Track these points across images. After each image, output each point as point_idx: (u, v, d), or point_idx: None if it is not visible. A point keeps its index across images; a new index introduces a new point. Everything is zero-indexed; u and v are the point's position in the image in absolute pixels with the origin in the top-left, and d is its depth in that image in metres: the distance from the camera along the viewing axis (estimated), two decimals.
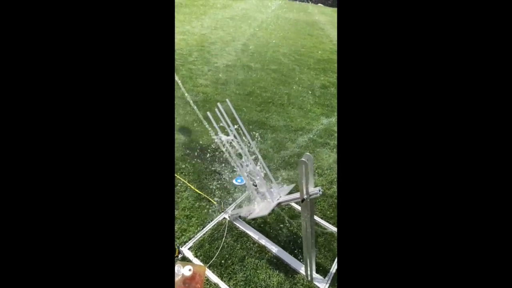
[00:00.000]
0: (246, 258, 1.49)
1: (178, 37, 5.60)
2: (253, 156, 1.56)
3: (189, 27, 6.65)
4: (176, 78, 3.56)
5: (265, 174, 1.61)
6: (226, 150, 1.52)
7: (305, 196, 1.20)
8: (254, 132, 2.64)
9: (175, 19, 7.28)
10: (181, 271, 1.30)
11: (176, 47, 4.93)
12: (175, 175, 1.99)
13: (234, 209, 1.79)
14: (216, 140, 1.53)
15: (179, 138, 2.47)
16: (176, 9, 8.95)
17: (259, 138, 2.60)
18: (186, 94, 2.61)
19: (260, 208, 1.48)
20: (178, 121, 2.70)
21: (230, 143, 1.50)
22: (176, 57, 4.45)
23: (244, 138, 1.57)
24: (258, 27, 8.18)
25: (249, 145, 1.59)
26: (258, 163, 1.58)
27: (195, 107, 1.89)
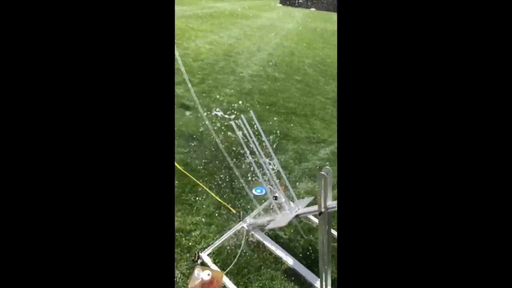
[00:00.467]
0: (262, 268, 1.51)
1: (206, 47, 5.83)
2: (272, 166, 1.60)
3: (216, 37, 6.91)
4: (202, 86, 3.71)
5: (285, 186, 1.63)
6: (252, 167, 1.57)
7: (322, 210, 1.21)
8: (275, 144, 2.68)
9: (204, 29, 7.59)
10: (201, 275, 1.36)
11: (203, 56, 5.14)
12: (198, 182, 2.07)
13: (252, 219, 1.83)
14: (247, 161, 1.59)
15: (201, 147, 2.57)
16: (205, 19, 9.34)
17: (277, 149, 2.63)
18: (195, 99, 2.72)
19: (278, 219, 1.50)
20: (203, 128, 2.81)
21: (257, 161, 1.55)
22: (203, 66, 4.64)
23: (265, 148, 1.62)
24: (284, 37, 8.28)
25: (270, 156, 1.63)
26: (274, 168, 1.61)
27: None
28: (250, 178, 2.14)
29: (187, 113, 3.10)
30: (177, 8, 11.43)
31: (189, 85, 2.23)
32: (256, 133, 1.59)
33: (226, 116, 1.71)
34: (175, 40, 5.98)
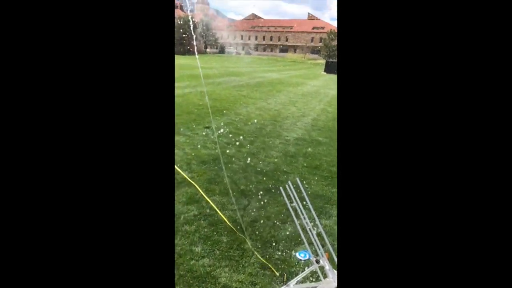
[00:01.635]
0: None
1: (255, 112, 6.48)
2: (316, 230, 1.68)
3: (265, 103, 7.65)
4: (249, 148, 4.06)
5: (329, 252, 1.67)
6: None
7: None
8: (319, 208, 2.74)
9: (254, 96, 8.51)
10: None
11: (252, 121, 5.71)
12: (246, 239, 2.20)
13: (296, 283, 1.84)
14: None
15: (250, 205, 2.75)
16: (254, 88, 10.50)
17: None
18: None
19: (321, 287, 1.52)
20: (250, 187, 3.03)
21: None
22: (251, 129, 5.14)
23: (309, 212, 1.74)
24: (328, 103, 8.78)
25: (314, 221, 1.73)
26: (318, 233, 1.68)
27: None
28: (296, 241, 2.20)
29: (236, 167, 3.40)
30: (231, 78, 13.13)
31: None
32: (301, 196, 1.74)
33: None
34: (229, 106, 6.80)
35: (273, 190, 2.90)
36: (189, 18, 47.40)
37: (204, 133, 4.61)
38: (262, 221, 2.50)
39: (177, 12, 55.71)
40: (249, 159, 3.76)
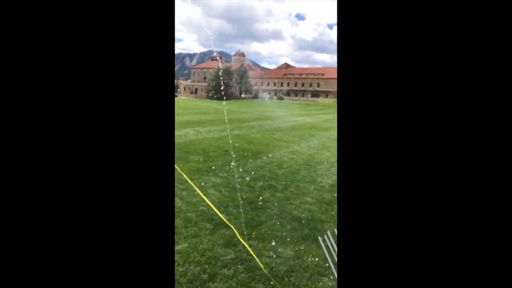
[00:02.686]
0: None
1: (288, 156, 6.58)
2: None
3: (298, 147, 7.76)
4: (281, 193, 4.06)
5: None
6: None
7: None
8: None
9: (287, 140, 8.69)
10: None
11: (285, 165, 5.78)
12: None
13: None
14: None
15: (285, 253, 2.70)
16: (287, 131, 10.76)
17: None
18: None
19: None
20: (286, 234, 3.00)
21: None
22: (286, 174, 5.19)
23: None
24: None
25: None
26: None
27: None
28: None
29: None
30: (264, 122, 13.66)
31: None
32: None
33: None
34: (262, 149, 7.01)
35: (309, 239, 2.84)
36: (227, 68, 51.95)
37: (239, 176, 4.77)
38: (299, 272, 2.42)
39: (217, 63, 61.58)
40: (284, 204, 3.77)
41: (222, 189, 4.08)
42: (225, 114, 17.88)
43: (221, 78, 48.97)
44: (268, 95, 51.54)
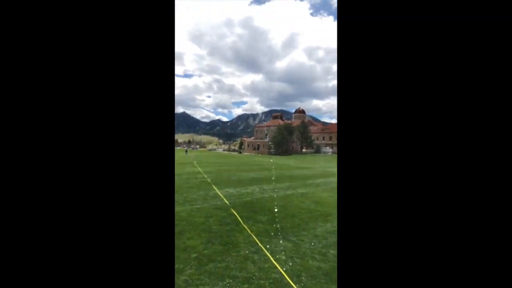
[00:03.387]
0: None
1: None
2: None
3: None
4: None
5: None
6: None
7: None
8: None
9: None
10: None
11: None
12: None
13: None
14: None
15: None
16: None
17: None
18: None
19: None
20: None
21: None
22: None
23: None
24: None
25: None
26: None
27: None
28: None
29: None
30: (329, 179, 13.14)
31: None
32: None
33: None
34: (331, 211, 6.60)
35: None
36: (287, 125, 54.28)
37: (311, 242, 4.51)
38: None
39: (278, 121, 65.07)
40: None
41: (294, 256, 3.88)
42: (289, 170, 17.88)
43: (282, 134, 51.01)
44: (330, 149, 50.50)
